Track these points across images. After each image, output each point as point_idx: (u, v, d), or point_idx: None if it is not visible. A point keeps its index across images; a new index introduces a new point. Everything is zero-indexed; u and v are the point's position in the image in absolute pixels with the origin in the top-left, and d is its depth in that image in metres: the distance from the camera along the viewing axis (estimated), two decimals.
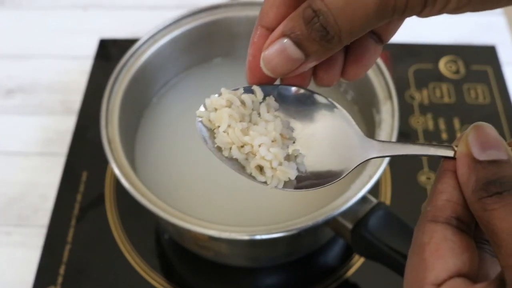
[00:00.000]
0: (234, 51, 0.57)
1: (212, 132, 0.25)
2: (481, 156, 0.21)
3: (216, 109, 0.25)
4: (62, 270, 0.50)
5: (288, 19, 0.23)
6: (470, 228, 0.22)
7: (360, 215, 0.41)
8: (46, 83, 0.67)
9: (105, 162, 0.51)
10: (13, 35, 0.74)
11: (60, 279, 0.49)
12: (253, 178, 0.24)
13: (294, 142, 0.24)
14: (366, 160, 0.23)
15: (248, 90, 0.25)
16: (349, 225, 0.41)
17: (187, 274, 0.51)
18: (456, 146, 0.22)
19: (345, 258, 0.50)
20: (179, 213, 0.39)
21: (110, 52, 0.69)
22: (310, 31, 0.22)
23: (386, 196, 0.54)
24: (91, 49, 0.69)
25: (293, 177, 0.23)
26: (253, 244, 0.43)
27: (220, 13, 0.54)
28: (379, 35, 0.27)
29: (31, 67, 0.69)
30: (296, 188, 0.24)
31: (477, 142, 0.21)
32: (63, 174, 0.57)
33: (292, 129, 0.25)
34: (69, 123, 0.62)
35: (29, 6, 0.77)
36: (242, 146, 0.24)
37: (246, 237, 0.39)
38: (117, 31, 0.72)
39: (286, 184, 0.24)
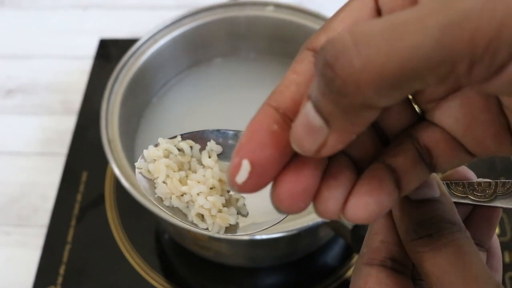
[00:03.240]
0: (234, 51, 0.57)
1: (152, 182, 0.25)
2: (413, 195, 0.21)
3: (154, 160, 0.25)
4: (62, 270, 0.50)
5: None
6: (407, 267, 0.21)
7: None
8: (46, 83, 0.67)
9: (105, 162, 0.51)
10: (13, 35, 0.74)
11: (60, 279, 0.49)
12: (195, 225, 0.24)
13: None
14: None
15: (186, 137, 0.25)
16: (349, 225, 0.41)
17: (187, 274, 0.51)
18: None
19: (345, 258, 0.50)
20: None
21: (110, 52, 0.69)
22: (317, 78, 0.15)
23: None
24: (91, 49, 0.69)
25: (233, 222, 0.23)
26: (253, 244, 0.43)
27: (220, 13, 0.54)
28: (430, 151, 0.19)
29: (31, 67, 0.69)
30: (239, 232, 0.24)
31: None
32: (63, 174, 0.57)
33: None
34: (69, 123, 0.62)
35: (29, 6, 0.77)
36: (181, 195, 0.24)
37: (246, 237, 0.39)
38: (117, 31, 0.72)
39: (228, 229, 0.24)
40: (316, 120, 0.15)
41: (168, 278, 0.49)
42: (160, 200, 0.24)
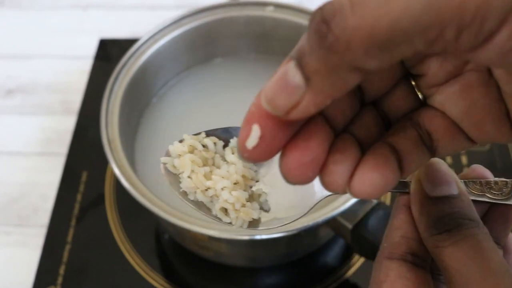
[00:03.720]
0: (234, 51, 0.57)
1: (177, 177, 0.25)
2: (432, 192, 0.21)
3: (179, 155, 0.25)
4: (62, 270, 0.50)
5: None
6: (426, 262, 0.22)
7: (360, 215, 0.41)
8: (46, 83, 0.67)
9: (105, 162, 0.51)
10: (13, 35, 0.74)
11: (60, 279, 0.49)
12: (219, 219, 0.25)
13: (257, 181, 0.25)
14: (327, 196, 0.24)
15: (210, 134, 0.26)
16: (349, 225, 0.41)
17: (187, 274, 0.51)
18: (411, 181, 0.23)
19: (345, 258, 0.50)
20: (179, 213, 0.39)
21: (110, 52, 0.69)
22: (309, 34, 0.15)
23: (386, 196, 0.54)
24: (91, 49, 0.69)
25: (256, 217, 0.24)
26: (253, 244, 0.43)
27: (220, 13, 0.54)
28: (430, 134, 0.20)
29: (31, 67, 0.69)
30: (261, 226, 0.24)
31: (429, 178, 0.22)
32: (63, 174, 0.57)
33: (254, 169, 0.25)
34: (69, 123, 0.62)
35: (29, 6, 0.77)
36: (206, 190, 0.25)
37: (246, 237, 0.39)
38: (117, 31, 0.72)
39: (251, 224, 0.24)
40: (296, 77, 0.15)
41: (168, 278, 0.49)
42: (185, 194, 0.25)
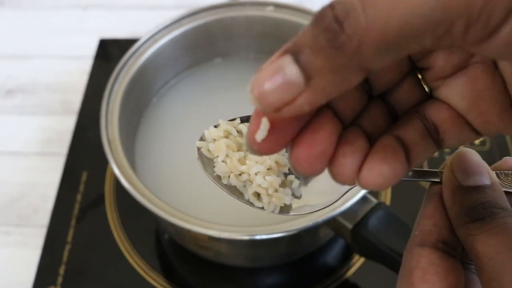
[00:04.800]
0: (234, 51, 0.57)
1: (211, 161, 0.26)
2: (464, 181, 0.22)
3: (214, 140, 0.26)
4: (62, 270, 0.50)
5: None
6: (457, 250, 0.22)
7: (360, 215, 0.41)
8: (46, 83, 0.67)
9: (105, 162, 0.51)
10: (13, 35, 0.74)
11: (60, 279, 0.49)
12: (251, 204, 0.25)
13: (289, 168, 0.25)
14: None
15: (245, 120, 0.26)
16: (349, 225, 0.41)
17: (187, 274, 0.51)
18: (442, 170, 0.23)
19: (345, 258, 0.50)
20: (179, 213, 0.39)
21: (110, 52, 0.69)
22: (317, 32, 0.14)
23: (386, 196, 0.54)
24: (91, 49, 0.69)
25: (288, 203, 0.24)
26: (253, 244, 0.43)
27: (220, 13, 0.54)
28: (436, 126, 0.20)
29: (31, 67, 0.69)
30: (292, 212, 0.25)
31: (461, 168, 0.22)
32: (63, 174, 0.57)
33: (287, 156, 0.26)
34: (69, 123, 0.62)
35: (29, 6, 0.77)
36: (240, 174, 0.25)
37: (246, 237, 0.39)
38: (117, 31, 0.72)
39: (283, 209, 0.25)
40: (294, 74, 0.15)
41: (168, 278, 0.49)
42: (219, 178, 0.25)
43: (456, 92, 0.20)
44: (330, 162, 0.18)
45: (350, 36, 0.14)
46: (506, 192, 0.22)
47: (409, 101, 0.21)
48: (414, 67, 0.21)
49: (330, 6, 0.14)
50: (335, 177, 0.18)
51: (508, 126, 0.19)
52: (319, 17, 0.14)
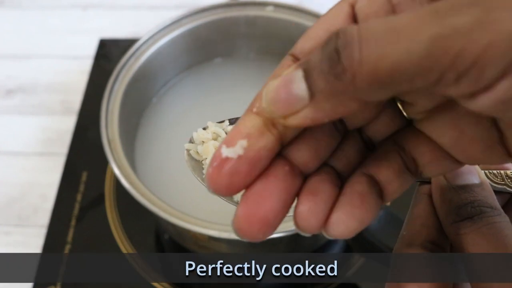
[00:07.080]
0: (234, 51, 0.57)
1: (200, 163, 0.26)
2: (454, 180, 0.22)
3: (203, 142, 0.26)
4: (62, 270, 0.50)
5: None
6: (445, 250, 0.22)
7: None
8: (46, 83, 0.67)
9: (105, 162, 0.51)
10: (13, 35, 0.74)
11: (60, 279, 0.49)
12: None
13: None
14: None
15: (234, 123, 0.26)
16: None
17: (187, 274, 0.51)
18: None
19: (345, 258, 0.50)
20: (179, 213, 0.39)
21: (110, 52, 0.69)
22: (322, 57, 0.15)
23: None
24: (91, 49, 0.69)
25: None
26: (253, 244, 0.43)
27: (220, 13, 0.54)
28: (415, 162, 0.19)
29: (31, 67, 0.69)
30: (291, 213, 0.24)
31: None
32: (63, 174, 0.57)
33: None
34: (69, 123, 0.62)
35: (29, 6, 0.77)
36: None
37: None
38: (117, 31, 0.72)
39: None
40: (301, 88, 0.16)
41: (168, 278, 0.49)
42: None
43: (438, 127, 0.19)
44: (294, 213, 0.18)
45: (345, 69, 0.14)
46: (495, 191, 0.22)
47: (387, 131, 0.20)
48: (394, 98, 0.20)
49: (336, 34, 0.15)
50: (298, 229, 0.18)
51: (494, 161, 0.19)
52: (327, 41, 0.15)
